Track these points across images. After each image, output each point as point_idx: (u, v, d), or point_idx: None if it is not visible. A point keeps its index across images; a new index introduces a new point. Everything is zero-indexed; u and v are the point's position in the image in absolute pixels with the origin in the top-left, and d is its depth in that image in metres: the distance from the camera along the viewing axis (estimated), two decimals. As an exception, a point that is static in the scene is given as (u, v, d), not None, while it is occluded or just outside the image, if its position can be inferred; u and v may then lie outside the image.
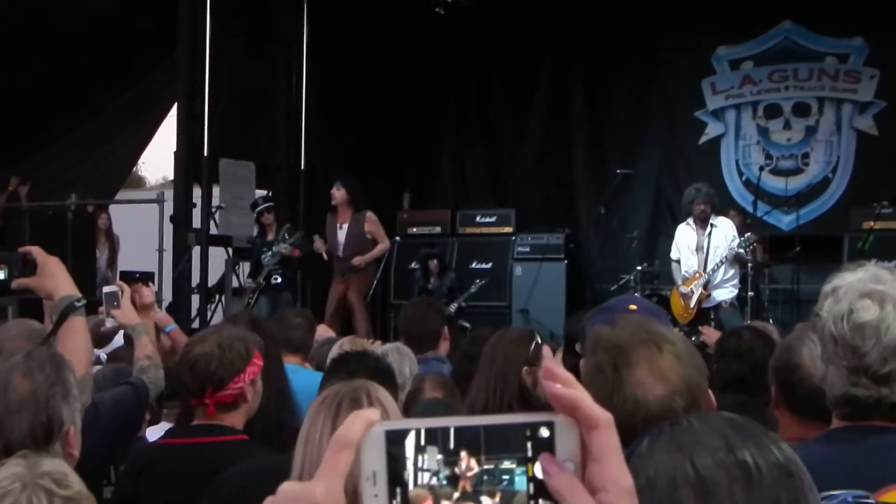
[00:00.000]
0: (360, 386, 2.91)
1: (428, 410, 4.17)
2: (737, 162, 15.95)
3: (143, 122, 16.33)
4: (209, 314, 14.31)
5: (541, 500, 0.99)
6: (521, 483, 0.99)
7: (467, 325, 12.64)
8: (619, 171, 14.52)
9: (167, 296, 14.80)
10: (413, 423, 1.01)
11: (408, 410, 4.31)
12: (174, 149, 14.82)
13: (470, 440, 0.99)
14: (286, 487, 1.01)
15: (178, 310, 13.63)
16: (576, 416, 1.00)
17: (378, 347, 5.64)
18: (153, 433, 4.81)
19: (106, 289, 4.59)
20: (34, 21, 13.56)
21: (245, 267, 14.81)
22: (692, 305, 11.29)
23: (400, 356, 5.21)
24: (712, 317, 11.23)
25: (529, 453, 1.00)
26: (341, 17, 15.87)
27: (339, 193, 12.48)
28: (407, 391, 4.86)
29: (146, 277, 14.53)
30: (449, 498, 0.99)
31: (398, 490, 0.99)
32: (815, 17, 15.40)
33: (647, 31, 15.89)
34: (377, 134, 16.12)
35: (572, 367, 2.55)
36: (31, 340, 3.78)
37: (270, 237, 13.28)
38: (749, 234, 11.59)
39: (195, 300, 14.42)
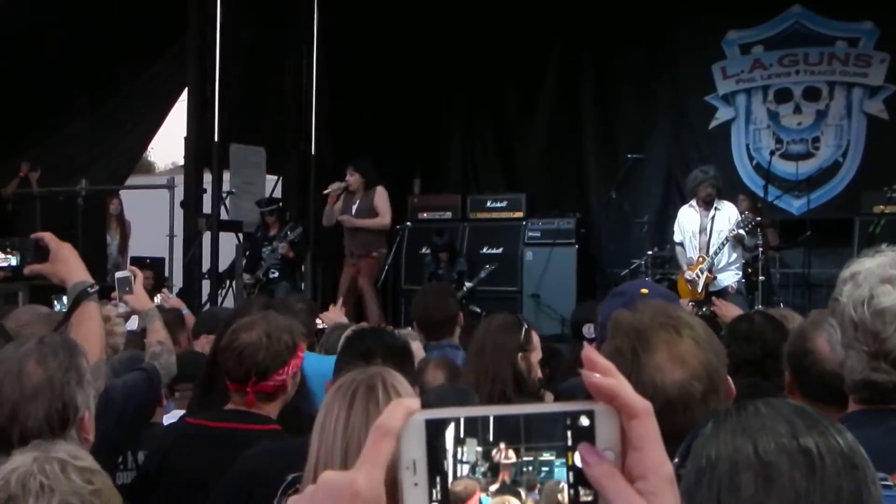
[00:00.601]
0: (376, 373, 2.90)
1: (440, 397, 4.16)
2: (747, 146, 15.91)
3: (154, 107, 16.34)
4: (220, 299, 14.32)
5: (580, 489, 0.99)
6: (560, 472, 0.99)
7: (478, 309, 12.63)
8: (629, 155, 14.48)
9: (178, 281, 14.85)
10: (453, 413, 1.00)
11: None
12: (183, 134, 14.85)
13: (509, 429, 0.99)
14: (326, 476, 1.00)
15: (188, 295, 13.65)
16: (615, 405, 1.00)
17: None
18: (169, 419, 4.81)
19: (118, 274, 4.59)
20: (45, 7, 13.57)
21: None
22: (700, 290, 11.27)
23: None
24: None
25: (569, 442, 1.00)
26: (351, 2, 15.85)
27: (353, 178, 12.47)
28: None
29: (156, 263, 14.60)
30: (488, 488, 0.98)
31: (438, 479, 0.98)
32: (825, 1, 15.38)
33: (658, 16, 15.87)
34: (387, 119, 16.09)
35: (578, 356, 2.55)
36: (43, 326, 3.78)
37: (273, 232, 13.32)
38: (747, 213, 11.58)
39: (206, 285, 14.44)
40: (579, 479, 0.99)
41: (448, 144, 17.67)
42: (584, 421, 1.00)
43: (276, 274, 13.08)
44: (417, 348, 5.23)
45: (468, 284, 13.57)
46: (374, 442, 0.99)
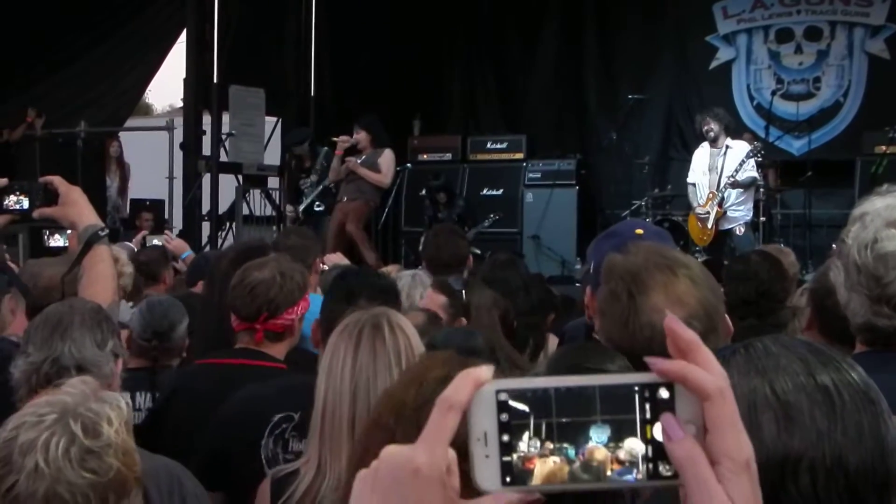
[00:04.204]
0: (381, 312, 2.92)
1: (448, 337, 4.17)
2: (748, 87, 15.86)
3: (153, 48, 16.25)
4: (220, 241, 14.34)
5: (660, 464, 0.96)
6: (638, 446, 0.96)
7: (478, 251, 12.64)
8: (630, 96, 14.45)
9: (178, 223, 14.85)
10: (526, 383, 0.97)
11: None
12: (182, 76, 14.79)
13: (584, 400, 0.96)
14: (389, 452, 0.98)
15: (188, 237, 13.65)
16: (687, 388, 0.96)
17: (397, 273, 5.63)
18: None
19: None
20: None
21: (255, 194, 14.83)
22: (710, 226, 11.32)
23: (413, 282, 5.17)
24: (729, 242, 11.29)
25: (648, 415, 0.96)
26: (351, -58, 15.73)
27: (360, 136, 12.27)
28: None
29: (156, 205, 14.61)
30: (562, 460, 0.96)
31: (511, 451, 0.96)
32: (827, -60, 15.26)
33: (659, -45, 15.77)
34: (387, 61, 16.00)
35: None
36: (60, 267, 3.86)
37: (308, 164, 13.21)
38: (756, 143, 11.64)
39: (206, 227, 14.45)
40: (659, 453, 0.96)
41: (448, 86, 17.59)
42: (664, 393, 0.97)
43: (322, 207, 12.95)
44: (424, 291, 5.20)
45: (470, 233, 13.55)
46: (438, 416, 0.96)
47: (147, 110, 32.76)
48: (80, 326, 3.02)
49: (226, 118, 14.50)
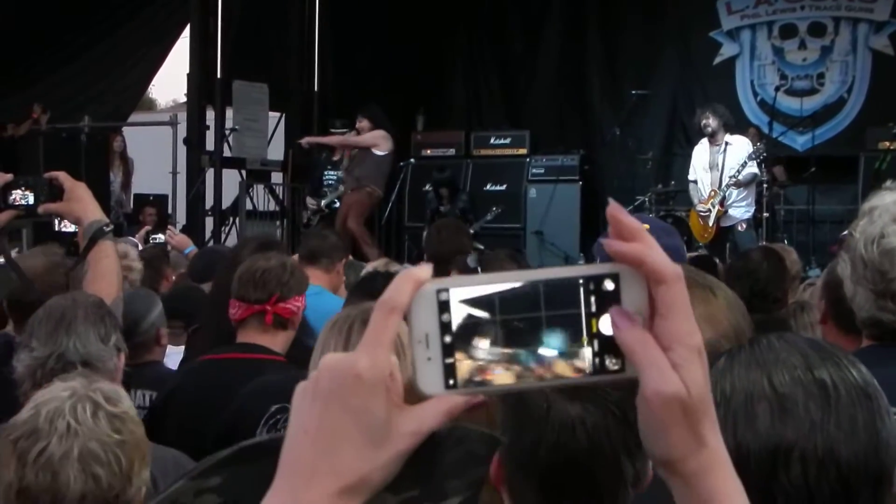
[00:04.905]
0: (371, 307, 2.92)
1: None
2: (752, 82, 15.84)
3: (156, 43, 16.27)
4: (223, 236, 14.35)
5: (606, 358, 0.94)
6: (584, 340, 0.93)
7: (481, 247, 12.63)
8: (634, 92, 14.44)
9: (181, 218, 14.87)
10: (467, 281, 0.94)
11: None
12: (185, 70, 14.80)
13: (527, 296, 0.93)
14: (328, 359, 0.95)
15: (192, 232, 13.67)
16: (642, 271, 0.94)
17: (385, 266, 5.63)
18: (171, 358, 4.83)
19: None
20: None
21: (259, 189, 14.85)
22: (711, 224, 11.30)
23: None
24: (731, 238, 11.28)
25: (593, 308, 0.93)
26: (354, -64, 15.73)
27: (363, 125, 12.28)
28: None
29: (160, 200, 14.63)
30: (506, 360, 0.93)
31: (453, 352, 0.93)
32: (831, -65, 15.24)
33: (663, -50, 15.75)
34: (391, 55, 16.00)
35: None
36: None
37: (336, 157, 13.19)
38: (760, 143, 11.60)
39: (209, 223, 14.47)
40: (605, 346, 0.93)
41: (451, 81, 17.57)
42: (609, 285, 0.94)
43: (338, 205, 12.95)
44: None
45: (473, 227, 13.54)
46: (378, 319, 0.94)
47: (151, 105, 32.78)
48: (84, 321, 3.03)
49: (229, 113, 14.52)
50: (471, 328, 0.93)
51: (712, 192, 11.33)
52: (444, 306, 0.93)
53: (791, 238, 12.47)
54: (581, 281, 0.94)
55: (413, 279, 0.93)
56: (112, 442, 2.30)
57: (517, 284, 0.93)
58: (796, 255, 6.87)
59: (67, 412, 2.29)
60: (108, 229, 3.50)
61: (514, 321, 0.92)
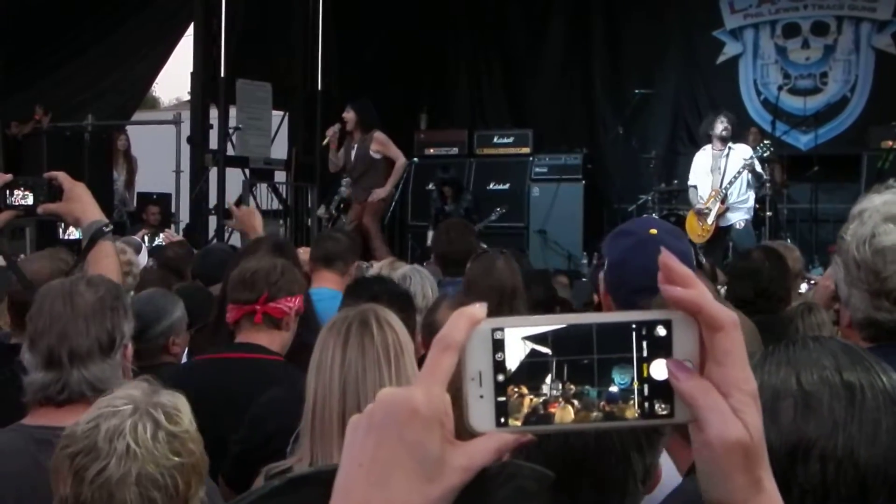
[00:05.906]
0: (368, 309, 2.94)
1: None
2: (755, 81, 15.85)
3: (160, 41, 16.29)
4: (226, 235, 14.36)
5: (656, 402, 0.96)
6: (634, 385, 0.96)
7: (485, 246, 12.62)
8: (637, 91, 14.43)
9: (185, 217, 14.89)
10: (522, 321, 0.96)
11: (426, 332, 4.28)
12: (189, 69, 14.81)
13: (580, 339, 0.95)
14: (385, 394, 0.95)
15: (195, 231, 13.70)
16: (698, 318, 0.96)
17: (397, 268, 5.63)
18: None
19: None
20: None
21: (262, 188, 14.86)
22: (710, 222, 11.29)
23: (421, 279, 5.17)
24: (729, 237, 11.28)
25: (645, 353, 0.96)
26: (358, -64, 15.73)
27: (348, 116, 12.24)
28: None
29: (163, 199, 14.64)
30: (558, 399, 0.95)
31: (505, 390, 0.95)
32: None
33: (666, -51, 15.75)
34: (394, 54, 16.02)
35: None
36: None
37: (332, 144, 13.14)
38: (765, 141, 11.59)
39: (213, 221, 14.47)
40: (655, 391, 0.95)
41: (455, 80, 17.58)
42: (661, 331, 0.96)
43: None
44: (433, 284, 5.19)
45: (477, 226, 13.51)
46: (434, 356, 0.94)
47: (154, 104, 32.77)
48: (87, 336, 2.92)
49: (233, 112, 14.53)
50: (524, 368, 0.95)
51: (714, 192, 11.33)
52: (498, 345, 0.95)
53: (794, 237, 12.46)
54: (634, 326, 0.96)
55: (469, 317, 0.95)
56: (170, 465, 2.30)
57: (571, 326, 0.96)
58: (798, 252, 6.86)
59: (128, 432, 2.28)
60: (108, 230, 3.50)
61: (567, 363, 0.95)
